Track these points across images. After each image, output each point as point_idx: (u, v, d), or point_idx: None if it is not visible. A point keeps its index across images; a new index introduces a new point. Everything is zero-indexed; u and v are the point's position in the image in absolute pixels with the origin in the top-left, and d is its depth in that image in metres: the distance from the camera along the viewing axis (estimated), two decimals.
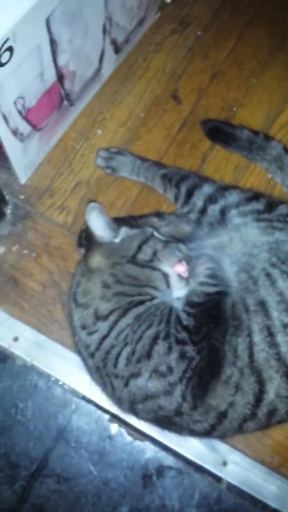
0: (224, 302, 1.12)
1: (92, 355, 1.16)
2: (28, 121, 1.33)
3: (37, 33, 1.11)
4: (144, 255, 1.18)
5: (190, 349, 1.05)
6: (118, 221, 1.31)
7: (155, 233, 1.25)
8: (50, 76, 1.30)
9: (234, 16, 1.88)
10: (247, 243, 1.23)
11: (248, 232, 1.24)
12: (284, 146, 1.56)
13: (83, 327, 1.17)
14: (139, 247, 1.19)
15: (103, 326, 1.13)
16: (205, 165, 1.63)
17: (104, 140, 1.64)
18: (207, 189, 1.36)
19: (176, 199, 1.43)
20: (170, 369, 1.05)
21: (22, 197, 1.56)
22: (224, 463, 1.38)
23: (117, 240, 1.20)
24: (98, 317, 1.14)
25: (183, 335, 1.06)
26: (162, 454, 1.39)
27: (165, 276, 1.18)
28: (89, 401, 1.40)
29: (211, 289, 1.13)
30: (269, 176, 1.61)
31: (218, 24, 1.86)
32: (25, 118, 1.31)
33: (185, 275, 1.18)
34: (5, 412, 1.38)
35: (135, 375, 1.07)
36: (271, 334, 1.05)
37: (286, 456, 1.41)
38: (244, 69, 1.80)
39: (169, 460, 1.39)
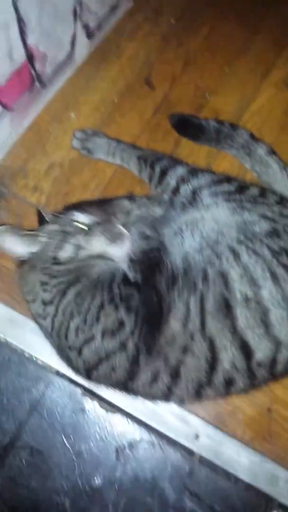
0: (164, 260, 1.21)
1: (51, 336, 1.26)
2: None
3: (3, 11, 1.19)
4: (65, 253, 1.25)
5: (135, 302, 1.12)
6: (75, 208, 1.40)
7: (75, 224, 1.29)
8: (19, 55, 1.37)
9: (208, 6, 1.97)
10: (217, 222, 1.26)
11: (219, 212, 1.30)
12: (251, 134, 1.63)
13: (38, 316, 1.27)
14: (59, 248, 1.24)
15: (51, 309, 1.23)
16: (178, 150, 1.70)
17: (78, 124, 1.71)
18: (180, 170, 1.42)
19: (150, 179, 1.49)
20: (121, 324, 1.13)
21: None
22: (197, 437, 1.44)
23: (35, 249, 1.27)
24: (45, 304, 1.25)
25: (128, 290, 1.14)
26: (134, 427, 1.45)
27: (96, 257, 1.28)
28: (62, 375, 1.46)
29: (145, 246, 1.23)
30: None
31: (192, 13, 1.95)
32: None
33: (122, 251, 1.26)
34: None
35: (88, 340, 1.15)
36: (228, 306, 1.10)
37: (258, 430, 1.46)
38: (217, 57, 1.88)
39: (141, 433, 1.45)
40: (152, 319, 1.12)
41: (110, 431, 1.44)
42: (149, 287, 1.15)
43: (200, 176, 1.39)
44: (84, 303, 1.18)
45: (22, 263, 1.30)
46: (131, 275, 1.18)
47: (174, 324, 1.12)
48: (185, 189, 1.38)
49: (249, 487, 1.42)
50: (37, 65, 1.48)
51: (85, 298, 1.18)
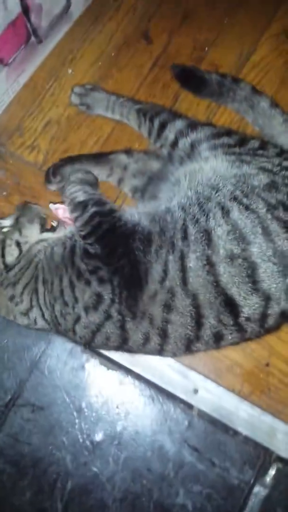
0: (120, 221, 1.20)
1: (50, 329, 1.29)
2: None
3: None
4: (11, 256, 1.27)
5: (105, 272, 1.13)
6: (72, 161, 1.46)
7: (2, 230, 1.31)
8: (14, 5, 1.34)
9: None
10: (215, 173, 1.25)
11: (217, 165, 1.29)
12: (252, 87, 1.61)
13: (29, 325, 1.29)
14: (2, 256, 1.27)
15: (35, 312, 1.26)
16: (177, 104, 1.69)
17: (75, 80, 1.69)
18: (179, 123, 1.41)
19: (150, 133, 1.49)
20: (99, 296, 1.14)
21: None
22: (195, 391, 1.47)
23: None
24: (27, 313, 1.26)
25: (93, 262, 1.15)
26: (134, 382, 1.48)
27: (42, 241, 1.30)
28: None
29: (83, 218, 1.21)
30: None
31: None
32: None
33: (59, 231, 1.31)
34: None
35: (76, 320, 1.18)
36: (210, 263, 1.10)
37: (256, 384, 1.49)
38: (216, 9, 1.84)
39: (141, 388, 1.48)
40: (129, 284, 1.12)
41: (110, 387, 1.47)
42: (115, 254, 1.15)
43: (199, 130, 1.37)
44: (55, 288, 1.19)
45: None
46: (89, 248, 1.17)
47: (152, 285, 1.12)
48: (184, 143, 1.37)
49: (247, 440, 1.46)
50: (33, 18, 1.45)
51: (53, 283, 1.20)
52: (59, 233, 1.30)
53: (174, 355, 1.22)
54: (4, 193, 1.56)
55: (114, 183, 1.52)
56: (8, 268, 1.25)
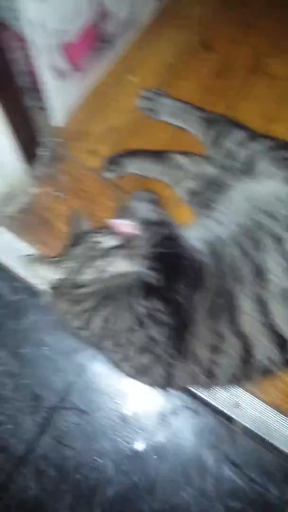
0: (185, 250, 1.16)
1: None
2: (66, 57, 1.41)
3: None
4: (86, 276, 1.22)
5: (162, 314, 1.08)
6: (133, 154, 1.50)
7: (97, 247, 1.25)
8: (90, 12, 1.37)
9: None
10: (272, 197, 1.23)
11: (276, 185, 1.28)
12: None
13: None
14: (79, 272, 1.22)
15: (85, 333, 1.24)
16: (235, 113, 1.67)
17: (137, 87, 1.71)
18: (239, 133, 1.42)
19: (209, 141, 1.49)
20: (152, 339, 1.09)
21: (55, 139, 1.64)
22: (238, 405, 1.47)
23: (61, 275, 1.25)
24: (80, 328, 1.24)
25: (152, 304, 1.09)
26: (178, 393, 1.48)
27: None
28: None
29: (153, 238, 1.16)
30: None
31: None
32: (64, 54, 1.38)
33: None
34: (32, 345, 1.49)
35: (125, 358, 1.17)
36: (263, 305, 1.08)
37: None
38: (279, 21, 1.84)
39: (185, 400, 1.48)
40: (180, 324, 1.09)
41: (154, 397, 1.48)
42: (173, 292, 1.10)
43: (258, 141, 1.38)
44: (112, 327, 1.17)
45: (52, 289, 1.29)
46: (146, 274, 1.12)
47: (201, 326, 1.10)
48: (242, 154, 1.37)
49: None
50: (106, 26, 1.47)
51: (112, 322, 1.17)
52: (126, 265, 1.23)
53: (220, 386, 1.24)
54: (64, 196, 1.58)
55: (170, 183, 1.52)
56: (77, 285, 1.22)
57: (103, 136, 1.65)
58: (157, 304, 1.10)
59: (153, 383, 1.19)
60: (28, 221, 1.55)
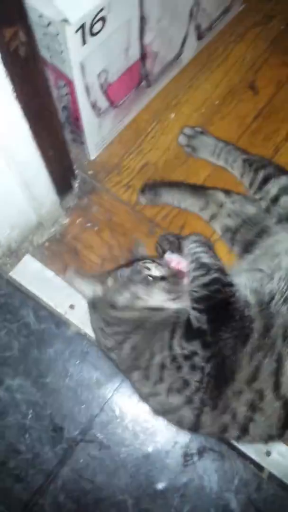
0: (233, 297, 1.14)
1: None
2: (107, 96, 1.48)
3: (129, 7, 1.28)
4: (122, 299, 1.23)
5: (199, 359, 1.08)
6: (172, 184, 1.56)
7: (143, 273, 1.29)
8: (134, 53, 1.45)
9: None
10: None
11: None
12: None
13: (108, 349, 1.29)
14: (118, 293, 1.25)
15: (113, 355, 1.26)
16: (276, 157, 1.74)
17: (177, 124, 1.77)
18: (284, 180, 1.43)
19: (251, 184, 1.51)
20: (185, 382, 1.09)
21: (90, 172, 1.71)
22: (268, 453, 1.46)
23: (100, 292, 1.28)
24: (108, 349, 1.27)
25: (191, 347, 1.09)
26: (206, 436, 1.47)
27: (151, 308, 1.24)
28: None
29: (204, 279, 1.16)
30: None
31: None
32: (105, 93, 1.46)
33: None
34: (55, 375, 1.52)
35: (153, 394, 1.18)
36: None
37: None
38: None
39: (211, 442, 1.49)
40: (218, 375, 1.08)
41: (180, 437, 1.49)
42: (215, 338, 1.10)
43: None
44: (141, 359, 1.18)
45: (90, 304, 1.34)
46: (194, 316, 1.13)
47: (239, 383, 1.08)
48: (285, 200, 1.38)
49: None
50: (148, 64, 1.55)
51: (143, 354, 1.16)
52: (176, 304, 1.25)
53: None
54: (96, 228, 1.62)
55: (205, 217, 1.57)
56: (112, 306, 1.26)
57: (139, 171, 1.70)
58: (196, 346, 1.10)
59: (179, 425, 1.20)
60: (57, 250, 1.61)
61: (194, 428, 1.16)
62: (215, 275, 1.16)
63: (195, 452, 1.47)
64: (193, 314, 1.13)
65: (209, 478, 1.46)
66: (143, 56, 1.48)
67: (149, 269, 1.27)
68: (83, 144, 1.62)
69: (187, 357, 1.11)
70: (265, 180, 1.44)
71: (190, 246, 1.28)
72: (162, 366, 1.13)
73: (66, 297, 1.56)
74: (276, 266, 1.25)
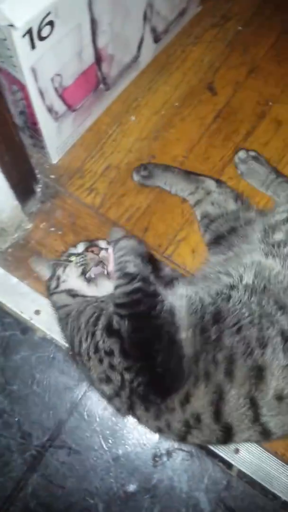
0: (155, 311, 1.10)
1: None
2: (64, 100, 1.47)
3: (79, 11, 1.26)
4: (52, 284, 1.30)
5: (116, 362, 1.07)
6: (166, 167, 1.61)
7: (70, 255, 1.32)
8: (88, 56, 1.44)
9: (276, 13, 2.02)
10: (278, 276, 1.17)
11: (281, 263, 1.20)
12: None
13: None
14: (51, 278, 1.32)
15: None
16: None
17: (137, 126, 1.78)
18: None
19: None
20: (108, 377, 1.10)
21: (52, 176, 1.69)
22: (237, 451, 1.46)
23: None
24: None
25: (110, 344, 1.08)
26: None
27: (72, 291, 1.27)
28: None
29: (127, 288, 1.13)
30: None
31: (260, 20, 2.00)
32: (61, 97, 1.44)
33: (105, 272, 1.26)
34: (22, 381, 1.50)
35: (92, 382, 1.18)
36: (255, 405, 1.03)
37: None
38: (283, 65, 1.92)
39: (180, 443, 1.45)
40: (145, 390, 1.06)
41: (149, 438, 1.48)
42: (136, 349, 1.07)
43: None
44: (75, 346, 1.18)
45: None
46: (115, 319, 1.11)
47: (172, 403, 1.06)
48: (280, 216, 1.34)
49: (286, 505, 1.44)
50: (104, 67, 1.54)
51: (74, 342, 1.19)
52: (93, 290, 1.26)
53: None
54: (60, 232, 1.61)
55: (191, 202, 1.59)
56: (49, 291, 1.31)
57: (101, 174, 1.70)
58: (114, 347, 1.08)
59: (119, 412, 1.18)
60: (21, 256, 1.59)
61: (133, 416, 1.14)
62: (137, 284, 1.13)
63: (164, 453, 1.47)
64: (115, 317, 1.11)
65: (179, 478, 1.45)
66: (98, 59, 1.48)
67: (75, 247, 1.34)
68: (44, 148, 1.61)
69: (107, 353, 1.10)
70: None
71: (117, 253, 1.24)
72: (88, 355, 1.13)
73: (31, 303, 1.54)
74: (237, 279, 1.20)
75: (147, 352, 1.07)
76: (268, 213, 1.40)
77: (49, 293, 1.31)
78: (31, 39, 1.14)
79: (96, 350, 1.11)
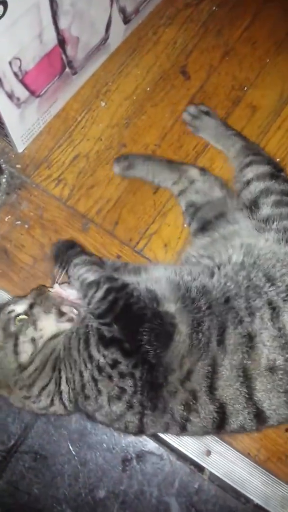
0: (133, 298, 1.08)
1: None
2: (25, 85, 1.35)
3: None
4: (25, 354, 1.14)
5: (124, 366, 1.03)
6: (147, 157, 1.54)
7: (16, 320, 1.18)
8: (50, 38, 1.31)
9: None
10: (273, 257, 1.15)
11: (280, 247, 1.17)
12: None
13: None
14: (16, 354, 1.14)
15: (55, 407, 1.16)
16: (210, 145, 1.62)
17: (107, 112, 1.65)
18: (264, 168, 1.36)
19: (237, 166, 1.46)
20: (121, 389, 1.04)
21: (18, 166, 1.58)
22: (208, 453, 1.39)
23: None
24: (42, 409, 1.16)
25: (111, 355, 1.04)
26: (143, 438, 1.40)
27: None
28: None
29: (98, 295, 1.10)
30: None
31: (234, 0, 1.83)
32: (22, 82, 1.32)
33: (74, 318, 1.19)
34: None
35: (98, 409, 1.09)
36: (246, 376, 1.01)
37: (274, 450, 1.41)
38: (258, 48, 1.79)
39: (150, 445, 1.40)
40: (150, 378, 1.04)
41: (118, 441, 1.40)
42: (134, 339, 1.04)
43: (278, 182, 1.31)
44: (77, 384, 1.10)
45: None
46: (104, 331, 1.06)
47: (172, 383, 1.04)
48: (256, 186, 1.31)
49: (259, 508, 1.37)
50: (69, 50, 1.41)
51: (75, 380, 1.10)
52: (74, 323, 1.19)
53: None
54: (26, 225, 1.51)
55: (175, 192, 1.50)
56: (21, 367, 1.13)
57: (69, 164, 1.58)
58: (116, 355, 1.04)
59: (126, 431, 1.11)
60: None
61: (140, 431, 1.09)
62: (106, 286, 1.10)
63: (134, 457, 1.38)
64: (104, 328, 1.06)
65: (149, 482, 1.36)
66: (61, 42, 1.34)
67: (13, 310, 1.18)
68: (8, 137, 1.50)
69: (112, 366, 1.04)
70: (248, 165, 1.39)
71: (73, 271, 1.19)
72: (94, 380, 1.06)
73: None
74: (225, 259, 1.19)
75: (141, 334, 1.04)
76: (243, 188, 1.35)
77: (20, 370, 1.14)
78: None
79: (100, 370, 1.05)
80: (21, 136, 1.51)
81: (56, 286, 1.22)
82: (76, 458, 1.37)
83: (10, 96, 1.31)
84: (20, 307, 1.18)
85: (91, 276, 1.14)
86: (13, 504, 1.35)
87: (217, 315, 1.06)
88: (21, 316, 1.16)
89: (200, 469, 1.38)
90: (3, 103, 1.30)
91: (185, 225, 1.51)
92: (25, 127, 1.50)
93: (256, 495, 1.37)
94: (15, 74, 1.26)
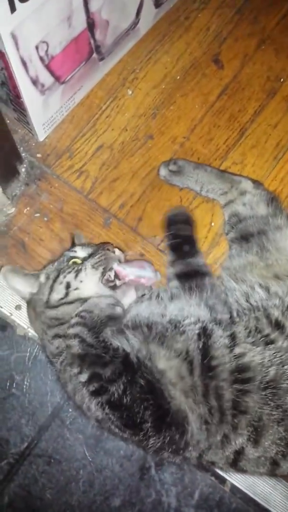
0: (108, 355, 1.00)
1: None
2: (51, 71, 1.29)
3: None
4: (56, 295, 1.13)
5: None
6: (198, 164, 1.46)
7: (71, 258, 1.18)
8: (79, 22, 1.25)
9: None
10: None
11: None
12: None
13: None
14: (51, 289, 1.14)
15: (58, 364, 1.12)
16: (242, 139, 1.56)
17: (134, 102, 1.59)
18: None
19: None
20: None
21: (39, 155, 1.52)
22: None
23: (35, 290, 1.18)
24: (54, 356, 1.13)
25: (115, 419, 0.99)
26: None
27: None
28: None
29: (84, 377, 1.01)
30: None
31: None
32: (48, 67, 1.26)
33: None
34: (0, 383, 1.35)
35: (85, 410, 1.06)
36: None
37: None
38: None
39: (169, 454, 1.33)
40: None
41: (136, 448, 1.33)
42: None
43: None
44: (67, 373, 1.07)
45: (28, 305, 1.21)
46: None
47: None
48: None
49: None
50: (97, 34, 1.35)
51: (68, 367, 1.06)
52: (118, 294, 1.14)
53: None
54: (45, 218, 1.45)
55: (222, 202, 1.43)
56: (48, 305, 1.13)
57: (92, 155, 1.52)
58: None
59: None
60: (2, 244, 1.43)
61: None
62: (89, 370, 0.99)
63: (153, 465, 1.33)
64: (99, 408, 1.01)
65: (167, 492, 1.32)
66: (91, 25, 1.28)
67: (75, 251, 1.19)
68: (29, 124, 1.44)
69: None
70: None
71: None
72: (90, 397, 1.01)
73: (11, 297, 1.38)
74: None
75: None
76: None
77: (47, 306, 1.13)
78: (11, 1, 0.97)
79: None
80: (43, 124, 1.46)
81: (115, 265, 1.17)
82: (92, 464, 1.33)
83: (35, 82, 1.25)
84: (82, 252, 1.19)
85: (76, 346, 1.01)
86: (24, 509, 1.31)
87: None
88: (74, 259, 1.16)
89: (222, 480, 1.33)
90: (27, 89, 1.25)
91: (217, 228, 1.46)
92: (47, 114, 1.44)
93: (278, 509, 1.33)
94: (41, 59, 1.20)
